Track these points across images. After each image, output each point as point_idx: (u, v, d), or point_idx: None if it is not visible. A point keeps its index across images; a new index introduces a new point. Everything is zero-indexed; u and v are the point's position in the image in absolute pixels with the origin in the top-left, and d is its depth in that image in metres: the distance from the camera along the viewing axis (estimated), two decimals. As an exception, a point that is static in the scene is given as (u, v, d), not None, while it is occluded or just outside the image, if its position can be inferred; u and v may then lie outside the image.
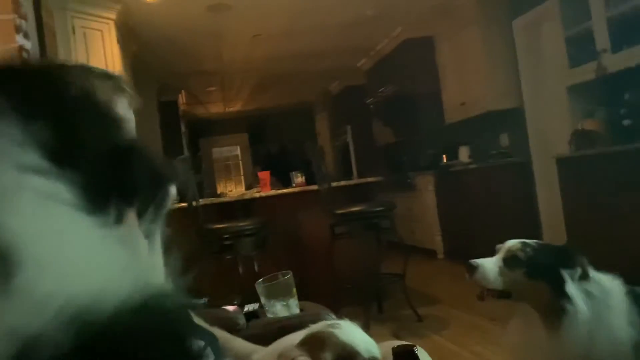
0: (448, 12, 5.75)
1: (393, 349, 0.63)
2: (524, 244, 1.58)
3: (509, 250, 1.60)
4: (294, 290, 1.52)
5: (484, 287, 1.58)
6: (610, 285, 1.48)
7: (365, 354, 0.74)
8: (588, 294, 1.45)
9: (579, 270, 1.46)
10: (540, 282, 1.49)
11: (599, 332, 1.39)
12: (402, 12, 5.78)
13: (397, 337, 2.91)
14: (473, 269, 1.60)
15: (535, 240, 1.61)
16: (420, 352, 0.99)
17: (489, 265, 1.59)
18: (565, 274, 1.46)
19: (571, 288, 1.45)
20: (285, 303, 1.49)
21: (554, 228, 4.66)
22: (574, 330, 1.41)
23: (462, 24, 5.56)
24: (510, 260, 1.57)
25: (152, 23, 5.23)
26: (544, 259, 1.53)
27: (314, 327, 0.82)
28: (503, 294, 1.56)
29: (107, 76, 0.85)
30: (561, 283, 1.46)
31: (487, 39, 5.26)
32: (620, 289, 1.47)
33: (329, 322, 0.83)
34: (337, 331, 0.77)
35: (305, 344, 0.75)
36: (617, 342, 1.39)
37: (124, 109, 0.84)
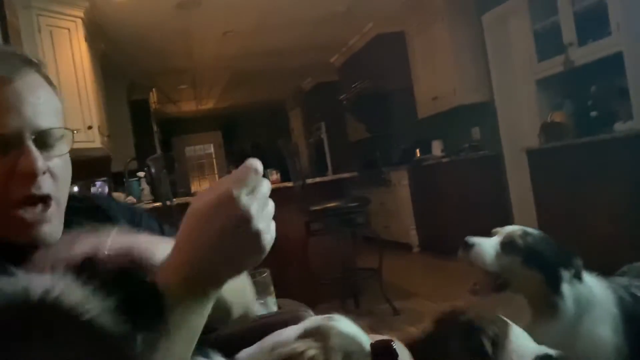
0: (418, 7, 5.78)
1: (371, 344, 0.63)
2: (525, 231, 1.54)
3: (508, 235, 1.54)
4: (272, 288, 1.52)
5: (477, 266, 1.52)
6: (599, 290, 1.47)
7: (366, 344, 0.74)
8: (578, 295, 1.44)
9: (572, 271, 1.45)
10: (535, 273, 1.46)
11: (581, 334, 1.40)
12: (372, 7, 5.80)
13: (375, 331, 2.93)
14: (469, 246, 1.52)
15: (536, 230, 1.57)
16: (397, 345, 1.00)
17: (486, 245, 1.52)
18: (562, 271, 1.45)
19: (565, 286, 1.43)
20: (263, 301, 1.49)
21: (525, 218, 4.74)
22: (559, 327, 1.41)
23: (431, 19, 5.60)
24: (508, 245, 1.51)
25: (120, 21, 5.15)
26: (542, 250, 1.50)
27: (311, 320, 0.81)
28: (499, 287, 1.51)
29: (28, 61, 0.74)
30: (556, 278, 1.44)
31: (456, 34, 5.32)
32: (609, 295, 1.47)
33: (324, 315, 0.83)
34: (336, 323, 0.77)
35: (307, 336, 0.74)
36: (599, 345, 1.40)
37: (48, 94, 0.75)
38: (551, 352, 1.20)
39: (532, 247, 1.50)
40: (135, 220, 0.88)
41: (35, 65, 0.74)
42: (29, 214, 0.68)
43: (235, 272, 0.61)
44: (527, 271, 1.47)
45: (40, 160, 0.68)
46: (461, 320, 1.29)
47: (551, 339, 1.34)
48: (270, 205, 0.63)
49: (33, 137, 0.68)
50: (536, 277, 1.46)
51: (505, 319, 1.31)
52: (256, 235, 0.59)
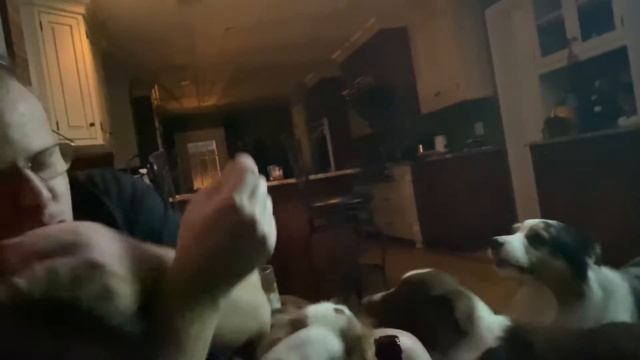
0: (421, 2, 5.76)
1: (375, 340, 0.63)
2: (547, 223, 1.57)
3: (532, 229, 1.56)
4: (275, 285, 1.52)
5: (509, 264, 1.52)
6: (616, 278, 1.50)
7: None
8: (602, 281, 1.47)
9: (593, 257, 1.48)
10: (563, 262, 1.49)
11: (608, 320, 1.41)
12: (375, 2, 5.78)
13: (378, 327, 2.93)
14: (498, 246, 1.53)
15: (554, 221, 1.60)
16: (408, 336, 0.99)
17: (515, 242, 1.54)
18: (586, 258, 1.47)
19: (591, 273, 1.46)
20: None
21: (529, 214, 4.71)
22: (586, 314, 1.43)
23: (434, 14, 5.58)
24: (533, 239, 1.53)
25: (122, 17, 5.13)
26: (567, 239, 1.53)
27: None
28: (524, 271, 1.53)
29: None
30: (582, 266, 1.47)
31: (460, 29, 5.30)
32: (624, 284, 1.50)
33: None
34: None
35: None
36: None
37: (29, 104, 0.64)
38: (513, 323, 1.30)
39: (556, 237, 1.53)
40: (135, 207, 0.84)
41: (5, 67, 0.64)
42: None
43: (242, 276, 0.59)
44: (555, 262, 1.50)
45: (44, 189, 0.61)
46: (433, 295, 1.34)
47: (579, 326, 1.36)
48: (269, 203, 0.61)
49: (29, 164, 0.61)
50: (563, 267, 1.49)
51: (468, 291, 1.36)
52: (262, 240, 0.57)
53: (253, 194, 0.57)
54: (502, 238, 1.55)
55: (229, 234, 0.55)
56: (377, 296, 1.56)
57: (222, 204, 0.55)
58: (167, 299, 0.56)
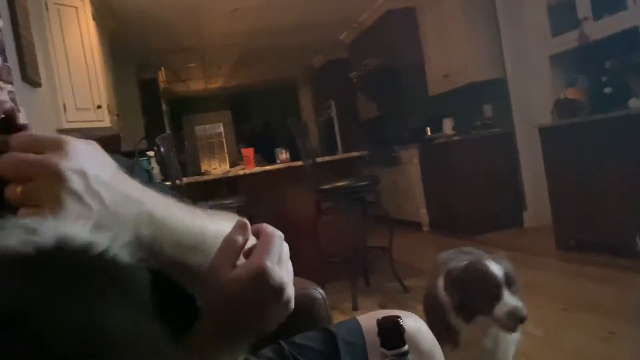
0: (430, -17, 5.68)
1: (377, 320, 0.62)
2: None
3: None
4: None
5: None
6: None
7: None
8: None
9: None
10: None
11: None
12: (383, -17, 5.70)
13: (384, 309, 2.94)
14: None
15: None
16: (414, 318, 0.99)
17: None
18: None
19: None
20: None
21: (537, 197, 4.71)
22: None
23: (444, -5, 5.51)
24: None
25: (128, -2, 5.11)
26: None
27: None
28: None
29: None
30: None
31: (469, 9, 5.22)
32: None
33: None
34: None
35: None
36: None
37: None
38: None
39: None
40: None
41: None
42: None
43: (265, 333, 0.62)
44: None
45: None
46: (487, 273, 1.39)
47: None
48: (290, 266, 0.64)
49: None
50: None
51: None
52: (288, 302, 0.60)
53: (280, 258, 0.60)
54: None
55: (260, 297, 0.58)
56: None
57: (255, 269, 0.57)
58: (191, 355, 0.58)
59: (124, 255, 0.42)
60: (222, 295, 0.57)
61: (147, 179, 0.87)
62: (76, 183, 0.47)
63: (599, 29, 3.63)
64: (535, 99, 4.67)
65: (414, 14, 6.27)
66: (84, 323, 0.35)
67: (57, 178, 0.47)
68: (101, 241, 0.41)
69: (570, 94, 3.88)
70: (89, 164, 0.50)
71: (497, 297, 1.41)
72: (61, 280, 0.37)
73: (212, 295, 0.58)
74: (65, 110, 3.79)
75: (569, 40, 3.89)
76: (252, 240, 0.61)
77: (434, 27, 5.88)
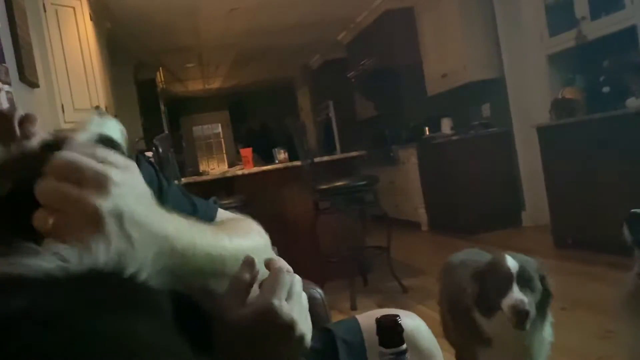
0: (427, -18, 5.69)
1: (376, 319, 0.62)
2: None
3: None
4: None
5: None
6: None
7: None
8: None
9: None
10: None
11: None
12: (381, -17, 5.71)
13: (383, 308, 2.94)
14: (637, 219, 1.22)
15: None
16: (413, 318, 0.99)
17: None
18: None
19: None
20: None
21: (535, 196, 4.72)
22: None
23: (441, -6, 5.51)
24: None
25: (125, -1, 5.10)
26: None
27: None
28: None
29: None
30: None
31: (466, 9, 5.23)
32: None
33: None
34: None
35: None
36: None
37: None
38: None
39: None
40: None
41: None
42: None
43: None
44: None
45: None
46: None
47: None
48: (304, 299, 0.63)
49: None
50: None
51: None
52: (300, 338, 0.59)
53: (289, 294, 0.59)
54: None
55: (270, 335, 0.58)
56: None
57: (262, 308, 0.57)
58: None
59: (147, 280, 0.44)
60: (232, 333, 0.58)
61: (154, 172, 0.87)
62: (111, 226, 0.47)
63: (596, 29, 3.64)
64: (533, 99, 4.67)
65: (412, 14, 6.28)
66: (113, 337, 0.36)
67: (93, 221, 0.46)
68: (126, 269, 0.43)
69: (568, 93, 3.89)
70: (127, 201, 0.49)
71: (507, 291, 1.42)
72: (92, 299, 0.39)
73: (224, 332, 0.59)
74: (63, 110, 3.79)
75: (566, 40, 3.90)
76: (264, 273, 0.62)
77: (431, 26, 5.88)
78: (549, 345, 1.52)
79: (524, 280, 1.44)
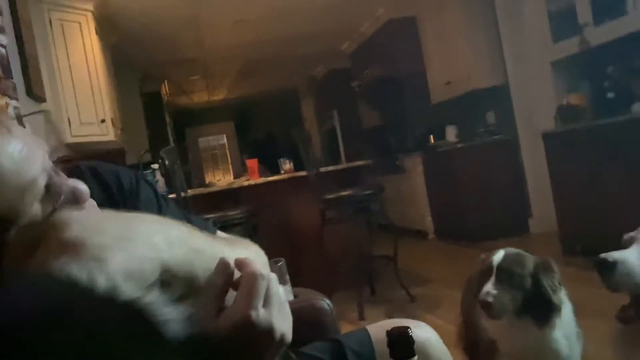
0: (430, -9, 5.71)
1: (387, 331, 0.62)
2: None
3: None
4: (287, 277, 1.52)
5: (627, 291, 1.17)
6: None
7: None
8: None
9: None
10: None
11: None
12: (383, -8, 5.74)
13: (391, 318, 2.93)
14: (609, 267, 1.14)
15: None
16: (424, 328, 0.99)
17: (632, 259, 1.14)
18: None
19: None
20: (279, 290, 1.48)
21: (542, 203, 4.70)
22: None
23: (444, 3, 5.53)
24: None
25: (130, 12, 5.15)
26: None
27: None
28: None
29: None
30: None
31: (469, 17, 5.25)
32: None
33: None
34: None
35: None
36: None
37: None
38: None
39: None
40: (134, 201, 0.85)
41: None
42: None
43: None
44: None
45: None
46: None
47: None
48: (281, 293, 0.63)
49: None
50: None
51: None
52: (281, 338, 0.60)
53: (266, 297, 0.59)
54: (613, 255, 1.15)
55: (250, 344, 0.58)
56: None
57: (239, 322, 0.57)
58: None
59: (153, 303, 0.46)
60: (209, 342, 0.57)
61: (153, 193, 0.88)
62: None
63: (600, 35, 3.64)
64: (537, 105, 4.67)
65: (415, 23, 6.30)
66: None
67: None
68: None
69: (573, 99, 3.88)
70: None
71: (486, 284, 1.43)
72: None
73: (205, 340, 0.58)
74: (69, 124, 3.82)
75: (570, 46, 3.90)
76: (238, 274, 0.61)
77: (434, 35, 5.90)
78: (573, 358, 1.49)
79: (503, 275, 1.44)
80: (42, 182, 0.60)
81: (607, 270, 1.14)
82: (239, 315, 0.57)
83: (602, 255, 1.15)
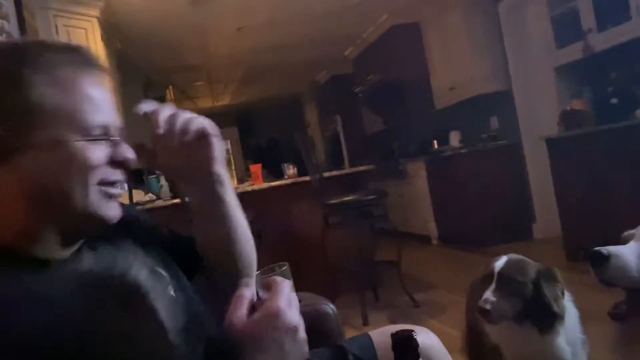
0: (433, -3, 5.73)
1: (392, 334, 0.63)
2: None
3: None
4: (291, 282, 1.52)
5: (621, 286, 1.18)
6: None
7: None
8: None
9: None
10: None
11: None
12: (387, -2, 5.76)
13: (395, 324, 2.92)
14: (603, 260, 1.13)
15: None
16: (428, 333, 0.99)
17: (627, 254, 1.14)
18: None
19: None
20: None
21: (546, 208, 4.69)
22: None
23: (446, 8, 5.54)
24: None
25: (135, 19, 5.18)
26: None
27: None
28: None
29: (70, 49, 0.74)
30: None
31: (472, 23, 5.26)
32: None
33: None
34: None
35: None
36: None
37: (92, 84, 0.74)
38: None
39: None
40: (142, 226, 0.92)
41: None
42: (117, 190, 0.77)
43: None
44: None
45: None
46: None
47: None
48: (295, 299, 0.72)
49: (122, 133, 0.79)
50: None
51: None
52: (303, 343, 0.67)
53: (290, 304, 0.68)
54: (608, 250, 1.15)
55: (278, 337, 0.64)
56: None
57: (271, 311, 0.65)
58: None
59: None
60: (243, 344, 0.63)
61: (154, 227, 0.94)
62: None
63: (603, 40, 3.64)
64: (541, 111, 4.67)
65: (418, 29, 6.31)
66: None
67: None
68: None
69: (576, 105, 3.88)
70: None
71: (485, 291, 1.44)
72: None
73: (235, 346, 0.64)
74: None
75: (573, 52, 3.91)
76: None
77: (438, 41, 5.91)
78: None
79: (504, 281, 1.44)
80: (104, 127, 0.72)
81: (601, 263, 1.13)
82: (272, 307, 0.65)
83: (597, 248, 1.15)
